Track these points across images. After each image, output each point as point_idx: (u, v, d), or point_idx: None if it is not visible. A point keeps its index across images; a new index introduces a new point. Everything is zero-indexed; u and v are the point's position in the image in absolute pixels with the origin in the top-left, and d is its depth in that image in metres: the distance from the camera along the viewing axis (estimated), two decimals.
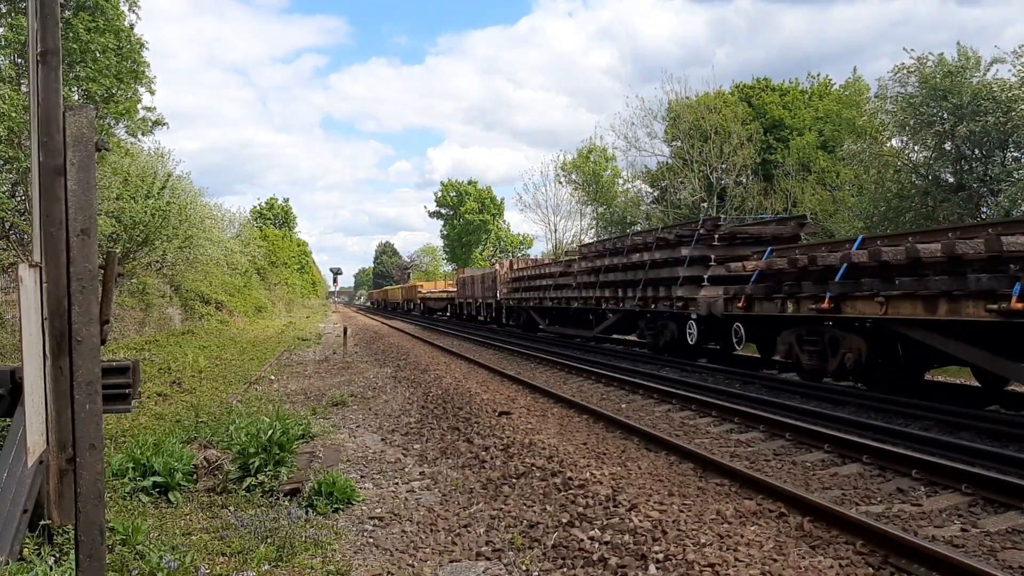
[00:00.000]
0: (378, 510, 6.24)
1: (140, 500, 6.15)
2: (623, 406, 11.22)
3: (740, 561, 4.67)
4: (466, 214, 76.03)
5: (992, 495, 5.89)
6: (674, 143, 36.88)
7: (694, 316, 14.81)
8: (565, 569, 4.81)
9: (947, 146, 21.58)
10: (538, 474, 6.96)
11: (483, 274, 34.55)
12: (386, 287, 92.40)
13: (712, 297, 13.79)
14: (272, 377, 15.74)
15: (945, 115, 20.82)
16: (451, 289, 36.81)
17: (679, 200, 34.94)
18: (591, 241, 32.05)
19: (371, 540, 5.53)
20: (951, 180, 21.97)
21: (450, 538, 5.53)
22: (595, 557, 4.88)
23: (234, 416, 9.37)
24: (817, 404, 10.38)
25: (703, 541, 5.02)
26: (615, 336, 23.32)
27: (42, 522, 4.51)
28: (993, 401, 10.11)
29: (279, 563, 4.89)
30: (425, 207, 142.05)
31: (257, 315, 39.83)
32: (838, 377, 11.23)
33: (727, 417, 9.75)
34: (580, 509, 5.84)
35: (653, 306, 16.59)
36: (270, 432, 7.19)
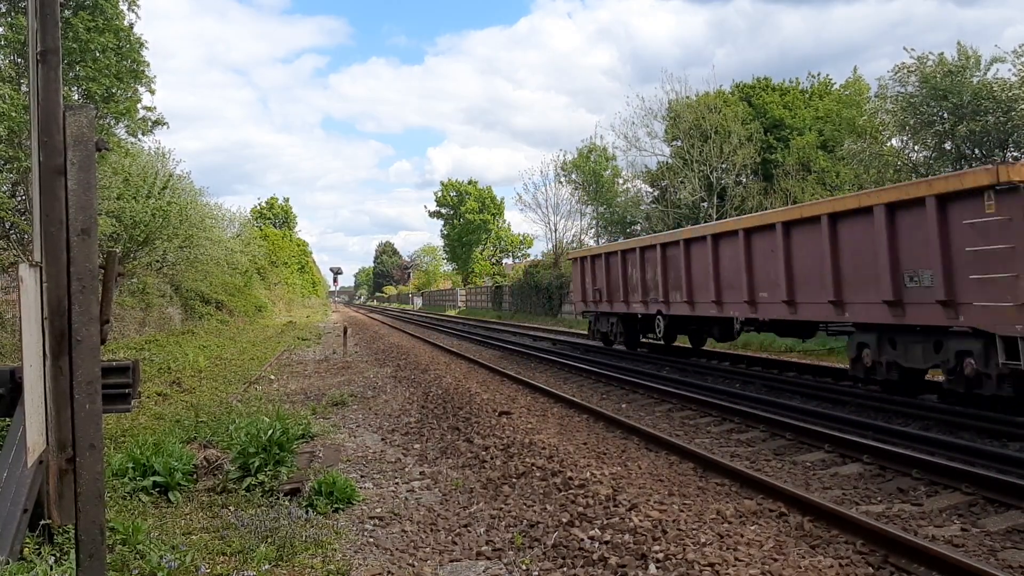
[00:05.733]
0: (378, 510, 6.24)
1: (140, 500, 6.16)
2: (623, 406, 11.22)
3: (740, 561, 4.67)
4: (466, 214, 75.97)
5: (992, 495, 5.88)
6: (674, 143, 36.82)
7: None
8: (565, 569, 4.81)
9: (947, 146, 21.57)
10: (538, 474, 6.96)
11: None
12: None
13: None
14: (272, 377, 15.74)
15: (945, 115, 20.82)
16: None
17: (679, 200, 34.91)
18: None
19: (371, 540, 5.53)
20: None
21: (450, 538, 5.53)
22: (595, 557, 4.88)
23: (234, 416, 9.38)
24: (817, 404, 10.38)
25: (703, 540, 5.01)
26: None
27: (42, 522, 4.51)
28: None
29: (279, 563, 4.89)
30: (425, 207, 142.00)
31: (257, 315, 39.83)
32: None
33: (727, 417, 9.75)
34: (580, 509, 5.84)
35: None
36: (270, 432, 7.19)
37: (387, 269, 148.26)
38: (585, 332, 24.17)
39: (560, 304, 41.34)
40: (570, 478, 6.65)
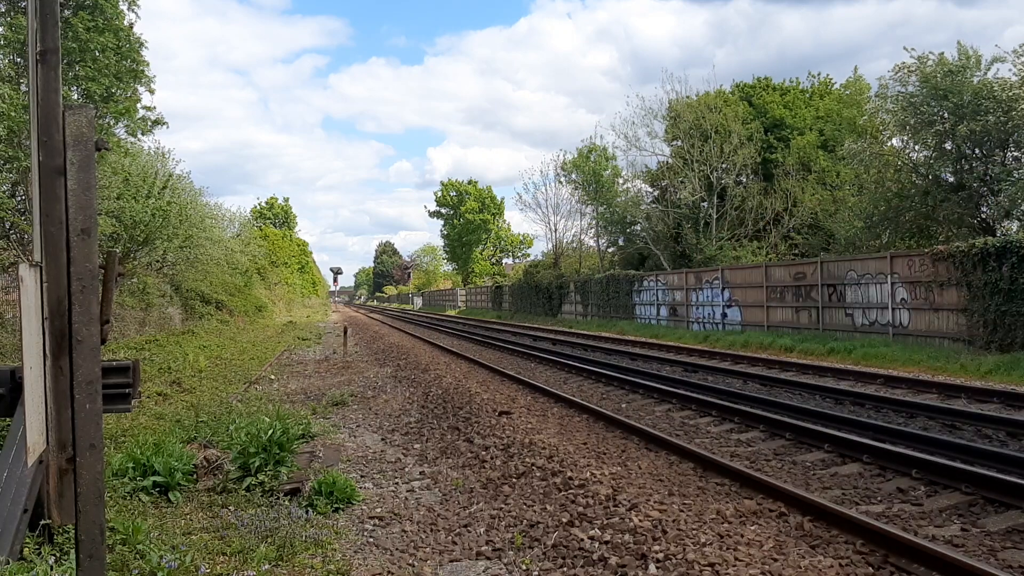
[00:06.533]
0: (378, 510, 6.24)
1: (140, 500, 6.15)
2: (623, 405, 11.22)
3: (740, 560, 4.67)
4: (466, 214, 76.00)
5: (992, 495, 5.89)
6: (674, 142, 36.81)
7: None
8: (565, 568, 4.81)
9: (947, 145, 21.58)
10: (538, 474, 6.96)
11: None
12: None
13: None
14: (272, 377, 15.73)
15: (945, 114, 20.82)
16: None
17: (679, 200, 34.91)
18: None
19: (371, 540, 5.52)
20: (951, 180, 21.97)
21: (450, 538, 5.53)
22: (595, 556, 4.88)
23: (234, 416, 9.38)
24: (817, 403, 10.38)
25: (703, 540, 5.01)
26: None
27: (42, 522, 4.50)
28: None
29: (279, 563, 4.89)
30: (425, 207, 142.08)
31: (257, 314, 39.81)
32: None
33: (727, 416, 9.75)
34: (580, 509, 5.84)
35: None
36: (270, 432, 7.19)
37: (387, 269, 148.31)
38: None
39: (560, 304, 41.34)
40: (570, 478, 6.65)
